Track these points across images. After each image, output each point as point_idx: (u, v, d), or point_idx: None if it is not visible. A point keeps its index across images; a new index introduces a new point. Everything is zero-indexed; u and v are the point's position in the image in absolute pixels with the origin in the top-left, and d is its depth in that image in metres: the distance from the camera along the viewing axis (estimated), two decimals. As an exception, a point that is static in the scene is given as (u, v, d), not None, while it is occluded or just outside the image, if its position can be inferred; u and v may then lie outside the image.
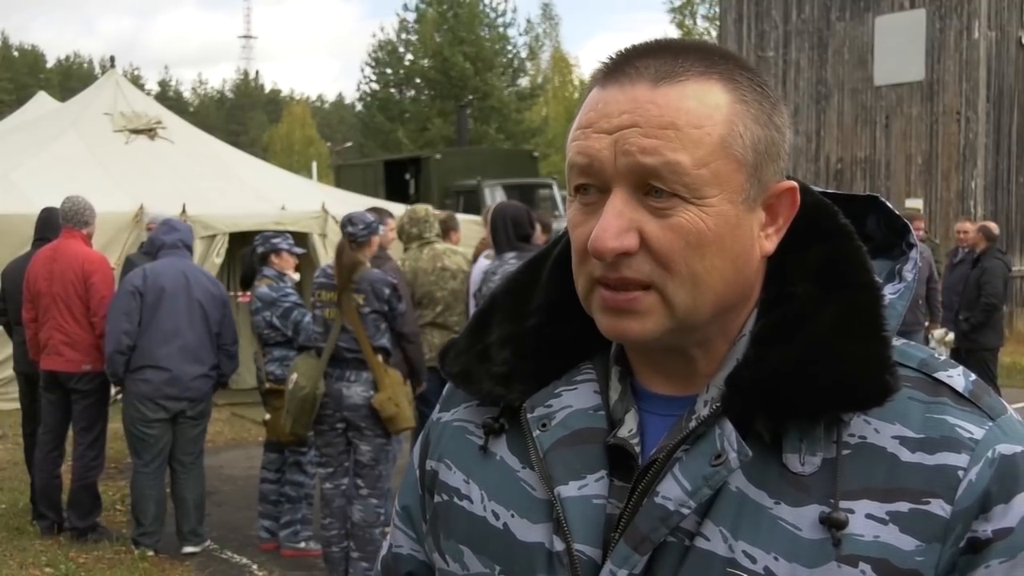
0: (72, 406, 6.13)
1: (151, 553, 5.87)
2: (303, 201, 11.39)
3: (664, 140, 0.90)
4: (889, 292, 0.99)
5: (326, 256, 9.56)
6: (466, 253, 7.14)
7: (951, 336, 9.26)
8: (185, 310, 5.73)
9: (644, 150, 0.90)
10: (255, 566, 5.88)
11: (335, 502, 5.40)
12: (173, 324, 5.71)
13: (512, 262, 5.73)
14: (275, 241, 6.08)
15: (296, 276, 6.16)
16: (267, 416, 6.01)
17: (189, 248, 6.08)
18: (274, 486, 6.09)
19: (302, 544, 5.98)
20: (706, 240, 0.91)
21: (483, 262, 6.59)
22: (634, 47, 0.97)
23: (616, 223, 0.91)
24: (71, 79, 63.32)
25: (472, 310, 6.12)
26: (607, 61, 0.98)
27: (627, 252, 0.91)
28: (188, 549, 5.94)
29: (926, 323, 9.15)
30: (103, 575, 5.61)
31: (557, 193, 20.08)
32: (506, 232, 5.83)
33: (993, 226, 9.69)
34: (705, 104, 0.92)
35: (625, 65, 0.95)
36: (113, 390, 6.42)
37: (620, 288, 0.93)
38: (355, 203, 10.87)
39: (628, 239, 0.91)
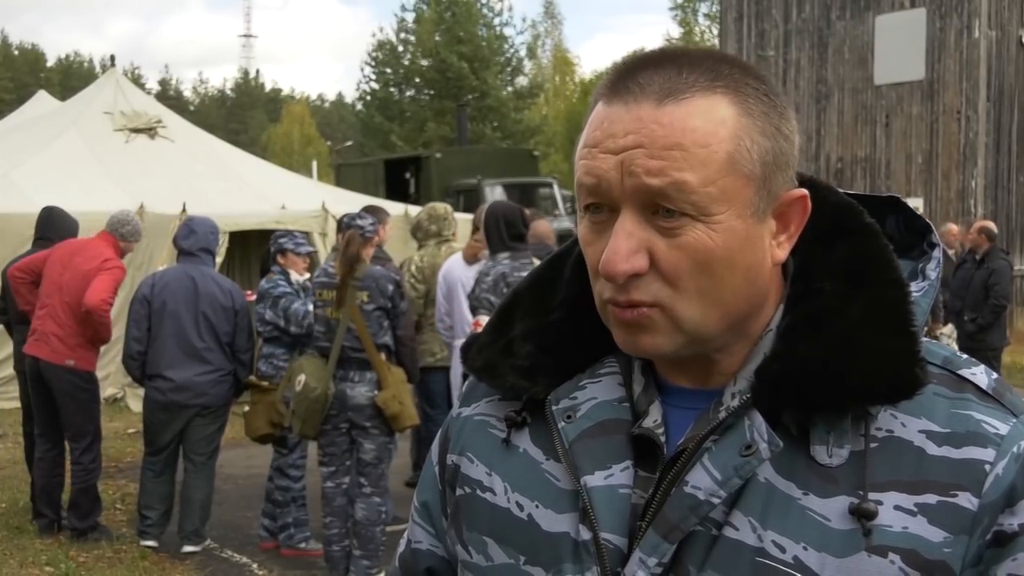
0: (60, 410, 6.03)
1: (152, 546, 5.86)
2: (303, 200, 11.40)
3: (670, 161, 0.91)
4: (914, 290, 1.00)
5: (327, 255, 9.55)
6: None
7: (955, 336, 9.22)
8: (191, 320, 5.72)
9: (650, 171, 0.91)
10: (255, 565, 5.87)
11: (336, 501, 5.39)
12: (178, 333, 5.71)
13: (505, 263, 5.72)
14: (281, 241, 6.10)
15: (302, 277, 6.09)
16: (246, 409, 5.96)
17: (210, 251, 5.96)
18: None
19: (302, 545, 5.97)
20: (714, 257, 0.92)
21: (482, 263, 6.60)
22: (637, 59, 0.97)
23: (626, 245, 0.92)
24: (71, 78, 63.39)
25: (465, 312, 6.11)
26: (611, 74, 0.98)
27: (637, 273, 0.92)
28: (188, 548, 5.92)
29: (930, 323, 9.07)
30: (103, 574, 5.60)
31: (557, 192, 20.11)
32: (499, 232, 5.80)
33: (992, 225, 9.68)
34: (710, 121, 0.92)
35: (628, 80, 0.95)
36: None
37: (629, 306, 0.95)
38: (355, 202, 10.86)
39: (638, 260, 0.92)
